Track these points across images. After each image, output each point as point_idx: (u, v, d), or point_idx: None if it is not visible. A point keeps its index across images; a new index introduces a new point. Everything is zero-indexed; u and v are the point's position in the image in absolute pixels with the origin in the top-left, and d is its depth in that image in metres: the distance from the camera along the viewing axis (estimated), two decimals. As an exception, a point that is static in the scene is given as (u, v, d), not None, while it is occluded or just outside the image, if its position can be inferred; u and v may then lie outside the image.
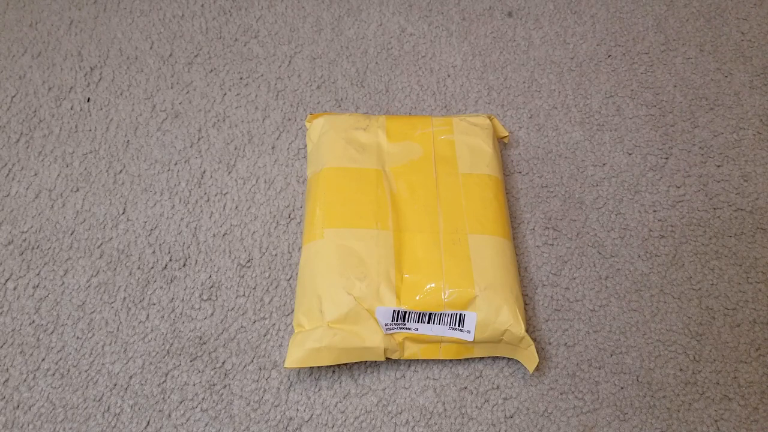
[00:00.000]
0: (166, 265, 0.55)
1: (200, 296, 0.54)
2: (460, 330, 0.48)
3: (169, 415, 0.49)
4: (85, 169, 0.60)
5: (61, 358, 0.51)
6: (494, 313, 0.48)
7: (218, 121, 0.64)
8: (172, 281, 0.55)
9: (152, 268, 0.55)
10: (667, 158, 0.64)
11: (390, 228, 0.51)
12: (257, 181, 0.60)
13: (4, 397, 0.49)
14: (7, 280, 0.54)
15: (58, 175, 0.60)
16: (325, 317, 0.48)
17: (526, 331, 0.49)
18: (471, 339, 0.48)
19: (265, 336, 0.52)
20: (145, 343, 0.52)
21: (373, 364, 0.51)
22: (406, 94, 0.67)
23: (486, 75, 0.69)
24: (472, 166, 0.56)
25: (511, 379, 0.51)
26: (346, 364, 0.51)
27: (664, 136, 0.65)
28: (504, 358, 0.52)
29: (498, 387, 0.51)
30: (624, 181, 0.62)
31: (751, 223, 0.60)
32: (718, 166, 0.63)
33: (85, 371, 0.51)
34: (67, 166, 0.60)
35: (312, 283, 0.50)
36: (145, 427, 0.48)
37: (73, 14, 0.71)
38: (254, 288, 0.55)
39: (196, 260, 0.56)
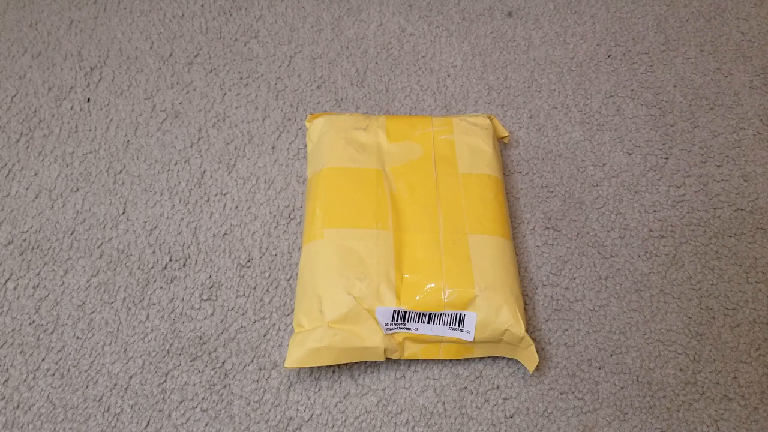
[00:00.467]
0: (166, 265, 0.55)
1: (200, 296, 0.54)
2: (460, 330, 0.48)
3: (169, 415, 0.49)
4: (85, 169, 0.60)
5: (61, 358, 0.51)
6: (494, 313, 0.48)
7: (218, 121, 0.64)
8: (172, 281, 0.55)
9: (152, 268, 0.55)
10: (667, 158, 0.64)
11: (390, 228, 0.51)
12: (257, 181, 0.60)
13: (4, 397, 0.49)
14: (7, 280, 0.54)
15: (58, 175, 0.60)
16: (325, 317, 0.48)
17: (526, 331, 0.49)
18: (471, 339, 0.48)
19: (265, 336, 0.52)
20: (145, 343, 0.52)
21: (373, 364, 0.51)
22: (406, 94, 0.67)
23: (486, 75, 0.69)
24: (472, 166, 0.56)
25: (511, 379, 0.51)
26: (346, 364, 0.51)
27: (664, 136, 0.65)
28: (504, 358, 0.52)
29: (498, 387, 0.51)
30: (624, 181, 0.62)
31: (751, 223, 0.60)
32: (718, 166, 0.63)
33: (85, 371, 0.51)
34: (67, 166, 0.60)
35: (312, 283, 0.50)
36: (145, 427, 0.48)
37: (73, 14, 0.71)
38: (254, 288, 0.55)
39: (196, 260, 0.56)
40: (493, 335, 0.48)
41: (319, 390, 0.50)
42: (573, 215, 0.60)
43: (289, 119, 0.64)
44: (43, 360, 0.51)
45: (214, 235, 0.57)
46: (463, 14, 0.73)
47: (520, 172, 0.62)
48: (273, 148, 0.62)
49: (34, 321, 0.52)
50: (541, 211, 0.60)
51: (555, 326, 0.54)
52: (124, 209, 0.58)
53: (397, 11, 0.73)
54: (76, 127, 0.63)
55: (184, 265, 0.55)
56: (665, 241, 0.59)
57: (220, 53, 0.69)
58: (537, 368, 0.52)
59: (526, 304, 0.55)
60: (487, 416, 0.50)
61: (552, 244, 0.58)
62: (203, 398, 0.49)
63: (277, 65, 0.68)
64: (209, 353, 0.51)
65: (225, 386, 0.50)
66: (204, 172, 0.61)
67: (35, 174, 0.60)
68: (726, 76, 0.70)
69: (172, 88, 0.66)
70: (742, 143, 0.65)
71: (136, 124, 0.63)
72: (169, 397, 0.49)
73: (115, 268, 0.55)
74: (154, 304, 0.54)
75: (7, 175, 0.60)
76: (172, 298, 0.54)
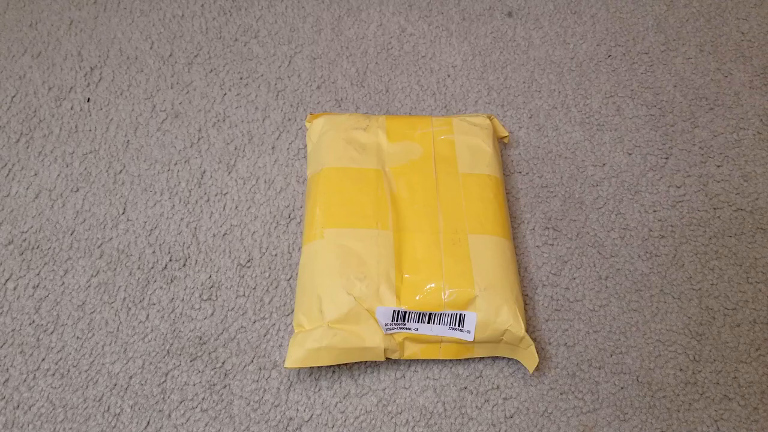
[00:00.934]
0: (166, 265, 0.55)
1: (200, 296, 0.54)
2: (460, 330, 0.48)
3: (169, 415, 0.49)
4: (85, 169, 0.60)
5: (61, 358, 0.51)
6: (494, 313, 0.48)
7: (218, 121, 0.64)
8: (172, 281, 0.55)
9: (152, 268, 0.55)
10: (667, 158, 0.64)
11: (390, 228, 0.51)
12: (257, 181, 0.60)
13: (4, 397, 0.49)
14: (7, 280, 0.54)
15: (58, 175, 0.60)
16: (325, 317, 0.48)
17: (526, 331, 0.49)
18: (471, 339, 0.48)
19: (265, 336, 0.52)
20: (145, 343, 0.52)
21: (373, 364, 0.51)
22: (406, 94, 0.67)
23: (486, 75, 0.69)
24: (472, 166, 0.56)
25: (511, 379, 0.51)
26: (346, 364, 0.51)
27: (664, 136, 0.65)
28: (504, 358, 0.52)
29: (498, 387, 0.51)
30: (624, 181, 0.62)
31: (751, 223, 0.60)
32: (718, 166, 0.63)
33: (85, 371, 0.51)
34: (67, 166, 0.60)
35: (312, 283, 0.50)
36: (145, 427, 0.48)
37: (73, 14, 0.71)
38: (254, 288, 0.55)
39: (196, 260, 0.56)
40: (493, 335, 0.48)
41: (319, 390, 0.50)
42: (573, 215, 0.60)
43: (289, 119, 0.64)
44: (43, 360, 0.51)
45: (214, 235, 0.57)
46: (463, 14, 0.73)
47: (520, 172, 0.62)
48: (273, 148, 0.62)
49: (34, 321, 0.52)
50: (541, 211, 0.60)
51: (555, 326, 0.54)
52: (124, 209, 0.58)
53: (397, 11, 0.73)
54: (76, 127, 0.63)
55: (184, 265, 0.55)
56: (665, 241, 0.59)
57: (220, 53, 0.69)
58: (537, 368, 0.52)
59: (526, 304, 0.55)
60: (487, 416, 0.50)
61: (552, 244, 0.58)
62: (203, 398, 0.49)
63: (277, 65, 0.68)
64: (209, 353, 0.51)
65: (225, 386, 0.50)
66: (204, 172, 0.61)
67: (35, 174, 0.60)
68: (726, 76, 0.70)
69: (172, 88, 0.66)
70: (742, 143, 0.65)
71: (136, 124, 0.63)
72: (169, 397, 0.49)
73: (115, 268, 0.55)
74: (154, 304, 0.54)
75: (7, 175, 0.60)
76: (172, 298, 0.54)
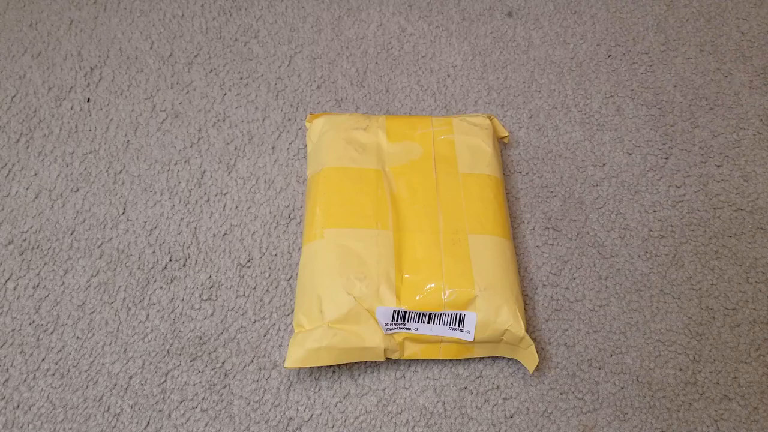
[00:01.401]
0: (166, 265, 0.55)
1: (200, 296, 0.54)
2: (460, 330, 0.48)
3: (169, 415, 0.49)
4: (85, 169, 0.60)
5: (61, 358, 0.51)
6: (494, 313, 0.48)
7: (218, 121, 0.64)
8: (172, 281, 0.55)
9: (152, 268, 0.55)
10: (667, 158, 0.64)
11: (390, 228, 0.51)
12: (257, 181, 0.60)
13: (4, 397, 0.49)
14: (7, 280, 0.54)
15: (58, 175, 0.60)
16: (325, 317, 0.48)
17: (526, 331, 0.49)
18: (471, 339, 0.48)
19: (265, 336, 0.52)
20: (145, 343, 0.52)
21: (373, 364, 0.51)
22: (406, 94, 0.67)
23: (486, 75, 0.69)
24: (472, 166, 0.56)
25: (511, 379, 0.51)
26: (346, 364, 0.51)
27: (664, 136, 0.65)
28: (504, 358, 0.52)
29: (498, 387, 0.51)
30: (624, 181, 0.62)
31: (751, 223, 0.60)
32: (718, 166, 0.63)
33: (85, 371, 0.51)
34: (67, 166, 0.60)
35: (312, 283, 0.50)
36: (145, 427, 0.48)
37: (73, 14, 0.71)
38: (254, 288, 0.55)
39: (196, 260, 0.56)
40: (493, 335, 0.48)
41: (319, 390, 0.50)
42: (573, 215, 0.60)
43: (289, 119, 0.64)
44: (43, 360, 0.51)
45: (214, 235, 0.57)
46: (463, 14, 0.73)
47: (520, 172, 0.62)
48: (273, 148, 0.62)
49: (34, 321, 0.52)
50: (541, 211, 0.60)
51: (555, 326, 0.54)
52: (124, 209, 0.58)
53: (397, 11, 0.73)
54: (76, 127, 0.63)
55: (184, 265, 0.55)
56: (665, 241, 0.59)
57: (220, 53, 0.69)
58: (537, 368, 0.52)
59: (526, 304, 0.55)
60: (487, 416, 0.50)
61: (552, 244, 0.58)
62: (203, 398, 0.49)
63: (277, 65, 0.68)
64: (209, 353, 0.51)
65: (225, 386, 0.50)
66: (204, 172, 0.61)
67: (35, 174, 0.60)
68: (726, 76, 0.70)
69: (172, 88, 0.66)
70: (742, 143, 0.65)
71: (136, 124, 0.63)
72: (169, 397, 0.49)
73: (115, 268, 0.55)
74: (154, 304, 0.54)
75: (7, 175, 0.60)
76: (172, 298, 0.54)
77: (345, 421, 0.49)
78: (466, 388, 0.51)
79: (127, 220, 0.58)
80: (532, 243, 0.58)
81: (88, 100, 0.64)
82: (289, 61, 0.68)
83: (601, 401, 0.51)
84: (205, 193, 0.59)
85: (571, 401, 0.51)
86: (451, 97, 0.67)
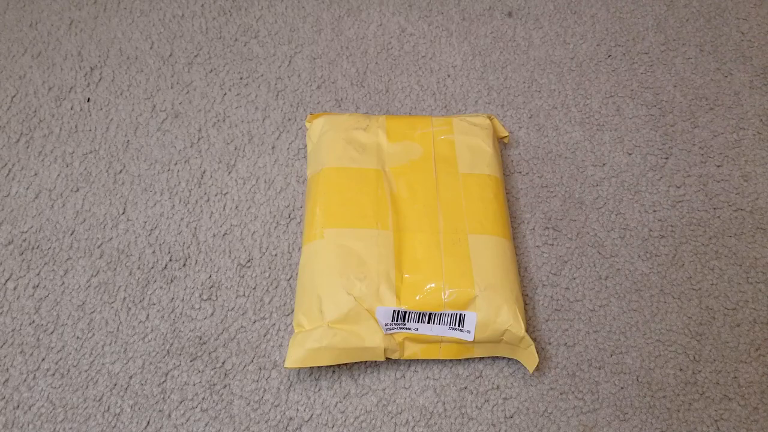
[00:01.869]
0: (166, 265, 0.55)
1: (200, 296, 0.54)
2: (460, 330, 0.48)
3: (169, 415, 0.49)
4: (85, 169, 0.60)
5: (61, 358, 0.51)
6: (494, 313, 0.48)
7: (218, 121, 0.64)
8: (172, 281, 0.55)
9: (152, 268, 0.55)
10: (667, 158, 0.64)
11: (390, 228, 0.51)
12: (257, 181, 0.60)
13: (4, 397, 0.49)
14: (7, 280, 0.54)
15: (58, 175, 0.60)
16: (325, 317, 0.48)
17: (526, 331, 0.49)
18: (471, 339, 0.48)
19: (265, 336, 0.52)
20: (145, 343, 0.52)
21: (373, 364, 0.51)
22: (406, 94, 0.67)
23: (486, 75, 0.69)
24: (472, 166, 0.56)
25: (511, 379, 0.51)
26: (346, 364, 0.51)
27: (664, 136, 0.65)
28: (504, 358, 0.52)
29: (498, 387, 0.51)
30: (624, 181, 0.62)
31: (751, 223, 0.60)
32: (718, 166, 0.63)
33: (85, 371, 0.51)
34: (67, 166, 0.60)
35: (312, 283, 0.50)
36: (145, 427, 0.48)
37: (73, 14, 0.71)
38: (254, 288, 0.55)
39: (196, 260, 0.56)
40: (493, 335, 0.48)
41: (319, 390, 0.50)
42: (573, 215, 0.60)
43: (289, 119, 0.64)
44: (43, 360, 0.51)
45: (214, 235, 0.57)
46: (463, 14, 0.73)
47: (520, 172, 0.62)
48: (273, 148, 0.62)
49: (34, 321, 0.52)
50: (541, 211, 0.60)
51: (555, 326, 0.54)
52: (124, 209, 0.58)
53: (397, 11, 0.73)
54: (76, 127, 0.63)
55: (184, 265, 0.55)
56: (665, 241, 0.59)
57: (220, 53, 0.69)
58: (537, 368, 0.52)
59: (526, 304, 0.55)
60: (487, 416, 0.50)
61: (552, 244, 0.58)
62: (203, 398, 0.49)
63: (277, 65, 0.68)
64: (209, 353, 0.51)
65: (225, 386, 0.50)
66: (204, 172, 0.61)
67: (35, 174, 0.60)
68: (726, 76, 0.70)
69: (172, 88, 0.66)
70: (742, 143, 0.65)
71: (136, 124, 0.63)
72: (169, 397, 0.49)
73: (115, 268, 0.55)
74: (154, 304, 0.54)
75: (7, 175, 0.60)
76: (172, 298, 0.54)
77: (345, 421, 0.49)
78: (466, 388, 0.51)
79: (127, 220, 0.58)
80: (532, 243, 0.58)
81: (88, 100, 0.64)
82: (289, 61, 0.68)
83: (601, 401, 0.51)
84: (205, 193, 0.59)
85: (571, 401, 0.51)
86: (451, 97, 0.67)
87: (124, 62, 0.67)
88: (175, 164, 0.61)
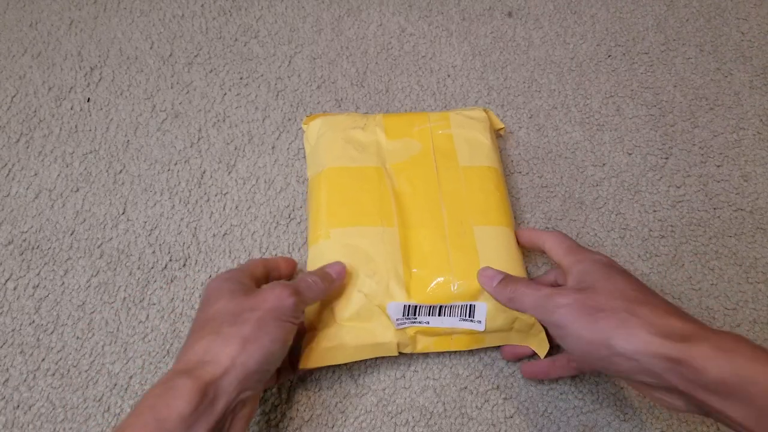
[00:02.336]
0: (166, 265, 0.55)
1: (200, 296, 0.54)
2: (471, 320, 0.48)
3: (169, 415, 0.49)
4: (85, 169, 0.60)
5: (61, 358, 0.51)
6: None
7: (218, 121, 0.64)
8: (172, 281, 0.55)
9: (152, 268, 0.55)
10: (667, 158, 0.64)
11: (395, 224, 0.51)
12: (257, 181, 0.60)
13: (4, 397, 0.49)
14: (7, 280, 0.54)
15: (58, 175, 0.60)
16: (337, 316, 0.48)
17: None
18: (482, 329, 0.48)
19: (265, 336, 0.52)
20: (145, 343, 0.52)
21: (373, 364, 0.51)
22: (406, 94, 0.67)
23: (486, 75, 0.69)
24: (472, 159, 0.56)
25: (511, 379, 0.51)
26: (346, 364, 0.51)
27: (664, 136, 0.65)
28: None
29: (498, 387, 0.51)
30: (624, 181, 0.62)
31: (751, 223, 0.60)
32: (718, 166, 0.63)
33: (85, 371, 0.50)
34: (67, 166, 0.60)
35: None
36: (145, 427, 0.48)
37: (73, 14, 0.71)
38: (254, 288, 0.54)
39: (196, 260, 0.56)
40: (504, 324, 0.48)
41: (319, 390, 0.50)
42: (573, 215, 0.60)
43: (289, 119, 0.64)
44: (43, 360, 0.51)
45: (214, 235, 0.57)
46: (463, 14, 0.73)
47: (520, 172, 0.62)
48: (273, 148, 0.62)
49: (34, 321, 0.52)
50: (541, 211, 0.60)
51: (555, 326, 0.54)
52: (124, 209, 0.58)
53: (397, 11, 0.73)
54: (76, 127, 0.63)
55: (184, 265, 0.55)
56: (665, 241, 0.59)
57: (220, 53, 0.69)
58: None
59: (526, 303, 0.55)
60: (487, 416, 0.50)
61: (552, 244, 0.58)
62: (203, 398, 0.49)
63: (277, 65, 0.68)
64: (209, 353, 0.51)
65: (225, 386, 0.50)
66: (204, 172, 0.61)
67: (35, 174, 0.60)
68: (726, 76, 0.70)
69: (172, 88, 0.66)
70: (742, 143, 0.65)
71: (136, 124, 0.63)
72: (169, 397, 0.49)
73: (115, 268, 0.55)
74: (154, 304, 0.54)
75: (7, 175, 0.60)
76: (172, 298, 0.54)
77: (345, 421, 0.49)
78: (466, 388, 0.51)
79: (127, 220, 0.58)
80: (532, 243, 0.58)
81: (88, 100, 0.64)
82: (289, 61, 0.68)
83: (601, 401, 0.51)
84: (205, 193, 0.59)
85: (571, 401, 0.51)
86: (451, 97, 0.67)
87: (124, 62, 0.67)
88: (175, 164, 0.61)
